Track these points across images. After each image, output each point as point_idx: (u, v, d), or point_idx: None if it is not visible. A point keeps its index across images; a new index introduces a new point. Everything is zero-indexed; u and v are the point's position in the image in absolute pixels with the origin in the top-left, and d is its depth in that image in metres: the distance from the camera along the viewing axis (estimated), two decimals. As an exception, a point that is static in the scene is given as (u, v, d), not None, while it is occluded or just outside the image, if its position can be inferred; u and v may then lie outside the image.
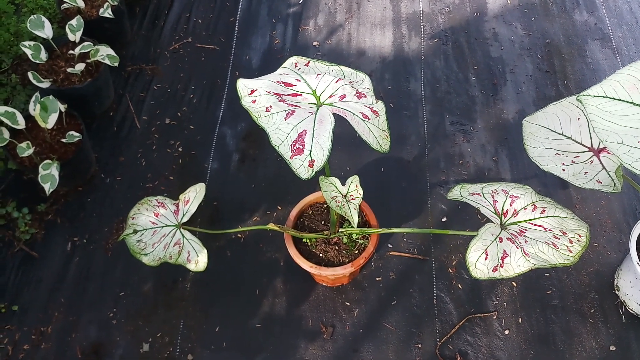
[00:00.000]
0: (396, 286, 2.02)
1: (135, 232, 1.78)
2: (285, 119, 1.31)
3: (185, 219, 1.79)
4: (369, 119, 1.36)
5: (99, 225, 2.19)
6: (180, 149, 2.39)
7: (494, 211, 1.65)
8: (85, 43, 2.28)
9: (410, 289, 2.01)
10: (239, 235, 2.16)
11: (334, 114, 1.34)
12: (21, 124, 2.06)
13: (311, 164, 1.26)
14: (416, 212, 2.18)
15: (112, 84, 2.54)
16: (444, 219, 2.16)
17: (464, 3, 2.87)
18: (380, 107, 1.40)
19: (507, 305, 1.96)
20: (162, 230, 1.79)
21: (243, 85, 1.43)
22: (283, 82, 1.45)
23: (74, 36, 2.31)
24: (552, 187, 2.22)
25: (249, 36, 2.77)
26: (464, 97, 2.51)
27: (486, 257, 1.57)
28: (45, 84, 2.21)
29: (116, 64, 2.29)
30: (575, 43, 2.68)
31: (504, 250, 1.57)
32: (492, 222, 1.64)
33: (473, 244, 1.57)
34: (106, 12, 2.44)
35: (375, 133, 1.36)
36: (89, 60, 2.30)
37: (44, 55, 2.26)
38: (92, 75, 2.34)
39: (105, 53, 2.28)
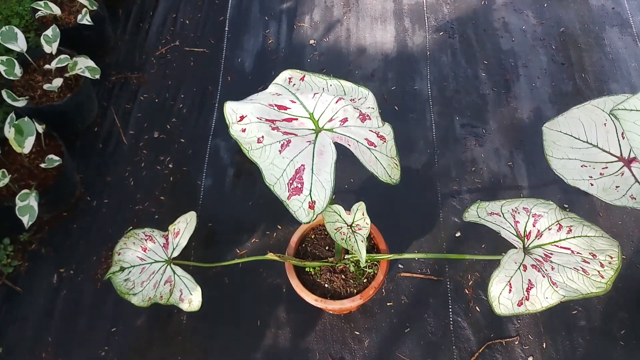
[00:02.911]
0: (409, 311, 1.86)
1: (122, 269, 1.63)
2: (280, 151, 1.14)
3: (175, 254, 1.63)
4: (375, 147, 1.19)
5: (86, 253, 2.04)
6: (170, 166, 2.23)
7: (515, 233, 1.49)
8: (62, 56, 2.09)
9: (425, 313, 1.86)
10: (237, 260, 2.00)
11: (335, 143, 1.17)
12: (-5, 149, 1.90)
13: (312, 205, 1.09)
14: (427, 227, 2.02)
15: (95, 97, 2.37)
16: (458, 234, 2.00)
17: (470, -9, 2.66)
18: (387, 131, 1.22)
19: (529, 329, 1.81)
20: (151, 266, 1.63)
21: (231, 110, 1.26)
22: (276, 105, 1.28)
23: (50, 48, 2.13)
24: (573, 194, 2.05)
25: (241, 36, 2.58)
26: (474, 95, 2.33)
27: (510, 290, 1.41)
28: (20, 103, 2.04)
29: (97, 76, 2.11)
30: (592, 30, 2.48)
31: (529, 280, 1.41)
32: (514, 246, 1.48)
33: (495, 275, 1.41)
34: (84, 19, 2.25)
35: (383, 162, 1.19)
36: (67, 75, 2.12)
37: (18, 70, 2.08)
38: (72, 90, 2.17)
39: (84, 65, 2.11)
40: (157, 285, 1.62)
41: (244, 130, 1.22)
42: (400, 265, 1.94)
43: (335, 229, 1.44)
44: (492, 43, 2.47)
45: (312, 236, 1.78)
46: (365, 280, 1.69)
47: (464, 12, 2.59)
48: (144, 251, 1.65)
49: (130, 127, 2.33)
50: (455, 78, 2.38)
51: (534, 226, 1.48)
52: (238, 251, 2.02)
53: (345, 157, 2.18)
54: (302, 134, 1.21)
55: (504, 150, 2.17)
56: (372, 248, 1.74)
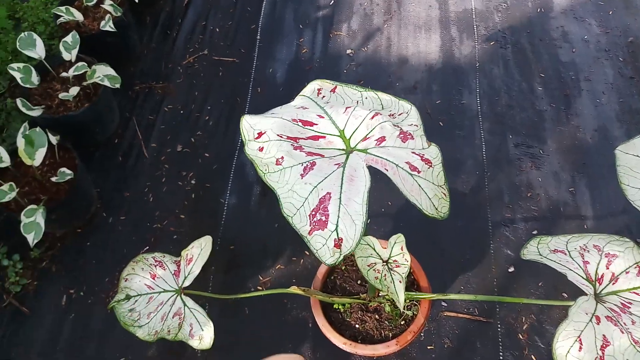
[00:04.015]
0: (453, 357, 1.62)
1: (129, 298, 1.45)
2: (302, 176, 0.94)
3: (187, 283, 1.44)
4: (418, 172, 0.97)
5: (99, 274, 1.88)
6: (193, 182, 2.06)
7: (585, 276, 1.24)
8: (80, 63, 1.96)
9: (471, 360, 1.61)
10: (259, 287, 1.81)
11: (369, 167, 0.96)
12: (5, 161, 1.76)
13: (338, 244, 0.88)
14: (476, 260, 1.77)
15: (117, 107, 2.23)
16: (511, 269, 1.74)
17: (525, -3, 2.42)
18: (434, 153, 1.01)
19: (597, 386, 1.53)
20: (160, 296, 1.45)
21: (248, 126, 1.08)
22: (300, 121, 1.08)
23: (69, 55, 2.00)
24: (648, 227, 1.77)
25: (273, 45, 2.42)
26: (530, 111, 2.08)
27: (580, 347, 1.15)
28: (36, 112, 1.91)
29: (117, 85, 1.97)
30: (667, 41, 2.21)
31: (604, 336, 1.15)
32: (583, 291, 1.23)
33: (562, 329, 1.16)
34: (107, 26, 2.12)
35: (428, 192, 0.97)
36: (85, 83, 1.98)
37: (35, 78, 1.96)
38: (91, 100, 2.03)
39: (103, 73, 1.97)
40: (165, 317, 1.43)
41: (261, 149, 1.03)
42: (443, 303, 1.70)
43: (368, 265, 1.22)
44: (550, 54, 2.22)
45: (343, 267, 1.57)
46: (402, 323, 1.46)
47: (517, 20, 2.35)
48: (153, 279, 1.47)
49: (153, 139, 2.18)
50: (508, 92, 2.14)
51: (607, 268, 1.22)
52: (261, 278, 1.82)
53: (381, 177, 1.97)
54: (329, 154, 1.01)
55: (565, 174, 1.91)
56: (411, 284, 1.51)
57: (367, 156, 0.98)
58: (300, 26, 2.46)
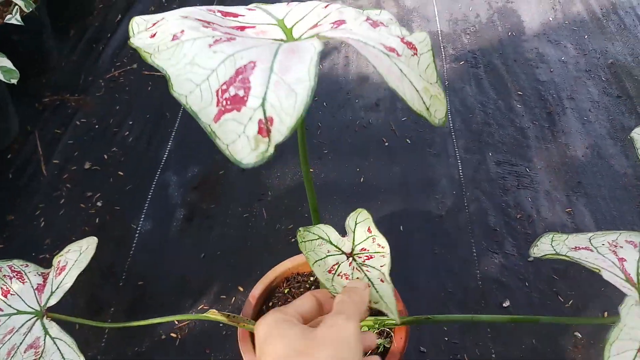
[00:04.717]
0: (437, 422, 1.16)
1: (-39, 327, 0.96)
2: (211, 45, 0.56)
3: (53, 301, 0.97)
4: (398, 55, 0.61)
5: (-49, 318, 1.36)
6: (99, 204, 1.62)
7: (624, 277, 0.86)
8: (-37, 46, 1.58)
9: None
10: (173, 334, 1.33)
11: (326, 42, 0.59)
12: None
13: (265, 127, 0.48)
14: (460, 293, 1.37)
15: (17, 117, 1.82)
16: (507, 303, 1.34)
17: (493, 22, 2.23)
18: (420, 37, 0.65)
19: None
20: (10, 321, 0.96)
21: (141, 21, 0.69)
22: (220, 12, 0.71)
23: (-46, 42, 1.62)
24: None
25: (215, 62, 2.10)
26: (510, 129, 1.79)
27: (644, 368, 0.75)
28: None
29: (14, 81, 1.56)
30: (650, 62, 2.02)
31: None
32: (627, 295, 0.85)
33: (614, 337, 0.75)
34: (14, 19, 1.77)
35: (415, 82, 0.60)
36: (-31, 73, 1.58)
37: None
38: (-24, 96, 1.63)
39: (-5, 63, 1.58)
40: (13, 352, 0.94)
41: (153, 35, 0.64)
42: (422, 349, 1.26)
43: (330, 271, 0.79)
44: (527, 74, 1.98)
45: (285, 290, 1.13)
46: (368, 363, 1.01)
47: (487, 42, 2.13)
48: (5, 296, 0.99)
49: (56, 155, 1.75)
50: (484, 109, 1.85)
51: (650, 267, 0.86)
52: (177, 322, 1.35)
53: (340, 197, 1.60)
54: (260, 44, 0.63)
55: (558, 194, 1.59)
56: (378, 310, 1.08)
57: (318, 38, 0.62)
58: (247, 44, 2.17)
